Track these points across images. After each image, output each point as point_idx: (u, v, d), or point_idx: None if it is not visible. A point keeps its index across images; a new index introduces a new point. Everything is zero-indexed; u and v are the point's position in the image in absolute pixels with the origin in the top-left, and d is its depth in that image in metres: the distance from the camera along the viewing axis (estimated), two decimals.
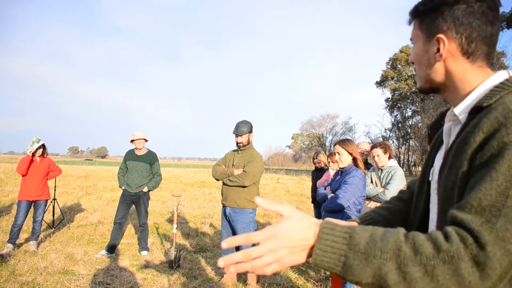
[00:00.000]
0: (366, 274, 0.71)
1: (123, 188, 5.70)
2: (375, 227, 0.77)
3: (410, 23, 1.01)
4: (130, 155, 5.80)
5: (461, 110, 0.92)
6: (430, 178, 1.03)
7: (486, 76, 0.90)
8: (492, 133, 0.77)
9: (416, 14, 0.98)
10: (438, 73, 0.95)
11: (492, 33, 0.89)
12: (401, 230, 0.74)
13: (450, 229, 0.72)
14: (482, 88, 0.89)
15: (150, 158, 5.80)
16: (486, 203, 0.70)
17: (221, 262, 0.76)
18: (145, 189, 5.67)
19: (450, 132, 0.97)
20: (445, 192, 0.88)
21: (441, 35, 0.91)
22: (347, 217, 3.36)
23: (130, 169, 5.71)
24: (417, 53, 0.98)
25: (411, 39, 1.02)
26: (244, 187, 4.27)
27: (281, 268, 0.77)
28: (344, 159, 3.45)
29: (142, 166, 5.69)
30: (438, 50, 0.92)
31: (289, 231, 0.75)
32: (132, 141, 5.72)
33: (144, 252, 5.61)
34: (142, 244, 5.72)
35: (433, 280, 0.67)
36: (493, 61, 0.93)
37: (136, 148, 5.77)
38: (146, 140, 5.78)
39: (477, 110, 0.86)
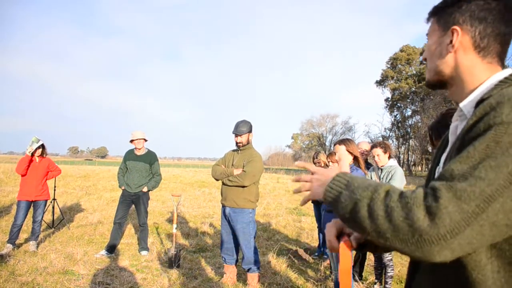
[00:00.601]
0: (347, 207, 0.84)
1: (123, 188, 5.69)
2: (376, 181, 0.88)
3: (428, 21, 1.04)
4: (130, 155, 5.79)
5: (466, 104, 0.94)
6: (435, 177, 1.05)
7: (494, 72, 0.92)
8: (482, 116, 0.80)
9: (436, 11, 1.01)
10: (447, 65, 0.97)
11: (505, 32, 0.91)
12: (390, 185, 0.83)
13: (420, 187, 0.80)
14: (488, 83, 0.91)
15: (150, 158, 5.79)
16: (457, 173, 0.75)
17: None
18: (145, 189, 5.66)
19: (456, 130, 0.99)
20: None
21: (456, 27, 0.94)
22: None
23: (130, 169, 5.70)
24: (430, 46, 1.02)
25: (427, 35, 1.05)
26: (243, 187, 4.26)
27: (313, 197, 1.02)
28: (344, 158, 3.45)
29: (141, 166, 5.69)
30: (451, 41, 0.94)
31: (323, 172, 1.00)
32: (131, 141, 5.72)
33: (144, 252, 5.61)
34: (142, 244, 5.72)
35: (390, 220, 0.75)
36: (505, 61, 0.95)
37: (135, 148, 5.77)
38: (146, 140, 5.78)
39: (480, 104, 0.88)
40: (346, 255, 1.01)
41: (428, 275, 0.93)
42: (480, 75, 0.92)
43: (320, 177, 0.98)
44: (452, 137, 1.01)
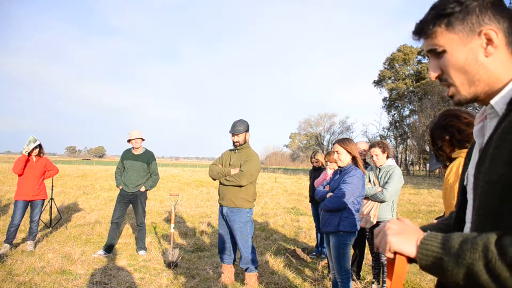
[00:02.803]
0: (459, 275, 0.76)
1: (120, 187, 5.69)
2: (470, 233, 0.80)
3: (428, 31, 0.95)
4: (127, 155, 5.78)
5: (497, 100, 0.89)
6: (465, 183, 1.01)
7: None
8: None
9: (441, 17, 0.92)
10: (486, 70, 0.89)
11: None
12: (491, 234, 0.76)
13: None
14: None
15: (147, 158, 5.78)
16: None
17: None
18: (143, 189, 5.65)
19: (483, 131, 0.95)
20: (487, 185, 0.85)
21: (489, 27, 0.88)
22: (345, 217, 3.36)
23: (127, 168, 5.69)
24: (457, 58, 0.91)
25: (432, 50, 0.95)
26: (241, 186, 4.27)
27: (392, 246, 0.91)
28: (343, 158, 3.45)
29: (139, 166, 5.67)
30: (489, 43, 0.88)
31: (401, 227, 0.92)
32: (129, 140, 5.72)
33: (141, 252, 5.60)
34: (140, 244, 5.71)
35: None
36: None
37: (133, 148, 5.76)
38: (143, 140, 5.77)
39: None
40: (402, 267, 0.93)
41: None
42: (509, 70, 0.89)
43: (400, 230, 0.92)
44: (479, 140, 0.95)
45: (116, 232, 5.59)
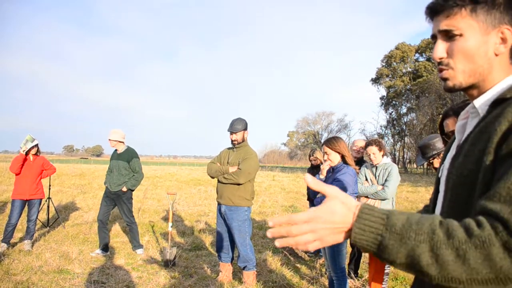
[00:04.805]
0: (400, 254, 0.74)
1: (106, 185, 5.65)
2: (412, 212, 0.80)
3: (451, 10, 0.92)
4: (113, 154, 5.73)
5: (482, 103, 0.92)
6: (439, 175, 1.04)
7: (510, 72, 0.92)
8: None
9: (468, 1, 0.91)
10: (491, 65, 0.91)
11: None
12: (437, 216, 0.76)
13: (481, 217, 0.73)
14: (505, 82, 0.91)
15: (128, 156, 5.65)
16: None
17: (269, 234, 0.81)
18: (124, 189, 5.52)
19: (464, 128, 0.98)
20: (458, 179, 0.89)
21: (507, 28, 0.89)
22: None
23: (112, 167, 5.63)
24: (471, 45, 0.91)
25: (446, 31, 0.94)
26: (239, 184, 4.27)
27: (324, 246, 0.81)
28: (332, 158, 3.46)
29: (121, 165, 5.57)
30: (502, 42, 0.90)
31: (330, 214, 0.79)
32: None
33: (139, 251, 5.58)
34: (134, 243, 5.68)
35: (464, 263, 0.69)
36: None
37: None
38: (122, 142, 5.64)
39: (499, 103, 0.88)
40: None
41: None
42: (503, 74, 0.92)
43: (330, 221, 0.79)
44: (459, 135, 0.99)
45: (103, 230, 5.50)
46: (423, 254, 0.72)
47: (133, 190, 5.67)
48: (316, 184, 0.83)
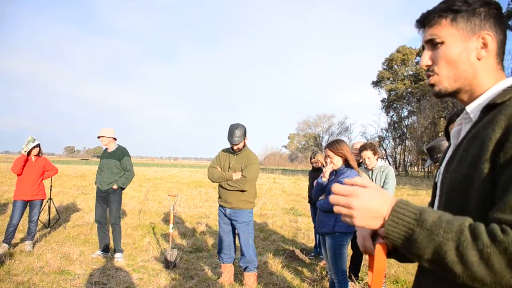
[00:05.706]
0: (428, 249, 0.78)
1: (97, 185, 5.62)
2: (445, 212, 0.82)
3: (432, 20, 0.99)
4: (104, 153, 5.70)
5: (473, 108, 0.96)
6: (436, 180, 1.06)
7: (502, 78, 0.96)
8: (510, 130, 0.80)
9: (448, 11, 0.97)
10: (474, 70, 0.95)
11: (504, 40, 0.97)
12: (468, 219, 0.79)
13: (504, 226, 0.75)
14: (495, 88, 0.93)
15: (119, 154, 5.60)
16: None
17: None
18: (115, 186, 5.48)
19: (458, 134, 1.01)
20: (452, 184, 0.91)
21: (488, 33, 0.94)
22: (341, 218, 3.36)
23: (103, 166, 5.58)
24: (452, 52, 0.96)
25: (431, 40, 1.00)
26: (243, 191, 4.29)
27: (353, 224, 0.87)
28: (335, 161, 3.47)
29: (112, 163, 5.53)
30: (483, 47, 0.94)
31: (368, 198, 0.85)
32: (98, 137, 5.59)
33: (118, 255, 5.32)
34: (115, 246, 5.47)
35: (488, 266, 0.72)
36: None
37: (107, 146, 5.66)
38: (114, 139, 5.62)
39: (490, 108, 0.90)
40: (382, 258, 0.95)
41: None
42: (492, 80, 0.95)
43: (367, 204, 0.85)
44: (454, 140, 1.02)
45: (103, 231, 5.49)
46: (449, 252, 0.75)
47: (123, 189, 5.62)
48: (352, 181, 0.89)
